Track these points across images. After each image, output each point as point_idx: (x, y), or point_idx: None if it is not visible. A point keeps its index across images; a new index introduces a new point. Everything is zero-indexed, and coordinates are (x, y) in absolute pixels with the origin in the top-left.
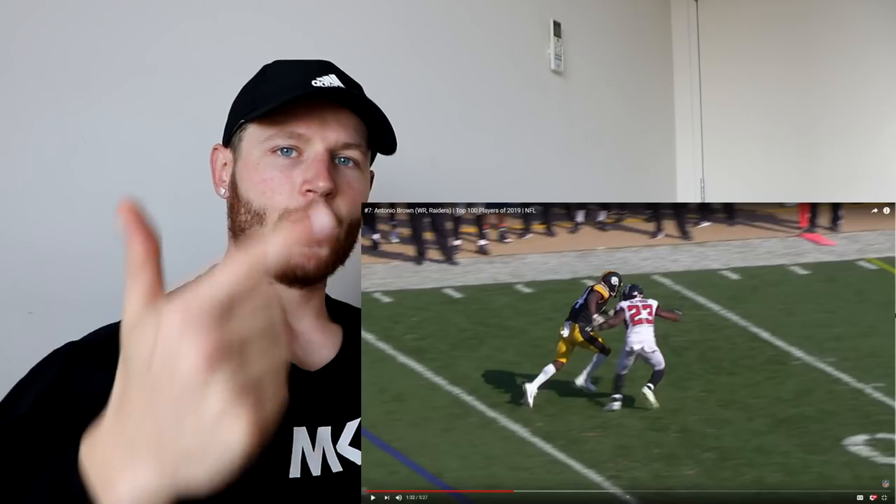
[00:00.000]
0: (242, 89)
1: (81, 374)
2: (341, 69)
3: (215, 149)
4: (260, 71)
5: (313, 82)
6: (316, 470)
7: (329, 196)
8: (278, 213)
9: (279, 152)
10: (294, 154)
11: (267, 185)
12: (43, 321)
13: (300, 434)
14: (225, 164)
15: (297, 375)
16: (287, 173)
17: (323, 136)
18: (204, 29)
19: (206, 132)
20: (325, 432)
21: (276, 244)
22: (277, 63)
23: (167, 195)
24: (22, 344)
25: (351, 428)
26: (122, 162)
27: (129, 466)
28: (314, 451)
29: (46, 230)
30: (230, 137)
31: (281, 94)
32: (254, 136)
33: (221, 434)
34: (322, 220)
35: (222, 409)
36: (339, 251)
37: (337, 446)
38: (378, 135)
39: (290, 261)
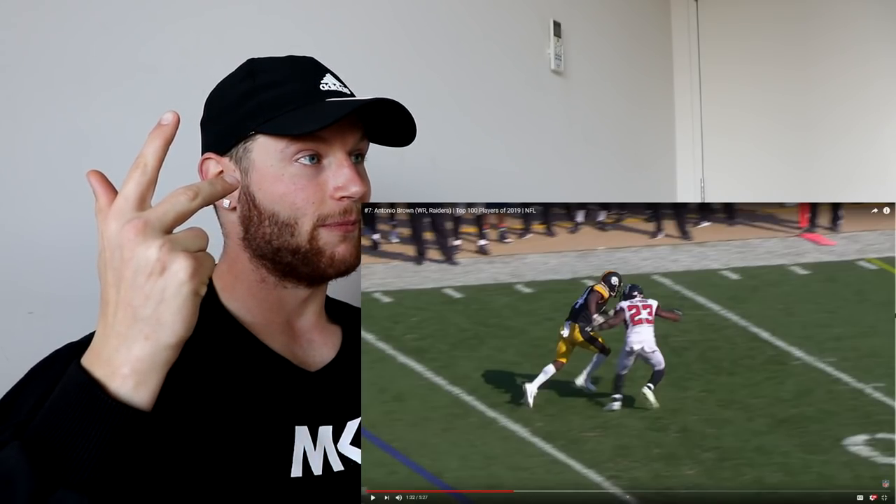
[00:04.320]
0: (232, 92)
1: None
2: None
3: (207, 158)
4: (247, 71)
5: (321, 86)
6: (317, 469)
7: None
8: (311, 222)
9: (302, 160)
10: (316, 160)
11: (297, 195)
12: (43, 321)
13: (302, 433)
14: (220, 172)
15: (297, 375)
16: (314, 181)
17: (343, 141)
18: (204, 27)
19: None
20: (326, 431)
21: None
22: (264, 61)
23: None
24: (22, 344)
25: (352, 427)
26: (122, 162)
27: (122, 348)
28: (315, 450)
29: (46, 230)
30: (229, 146)
31: (293, 101)
32: (269, 146)
33: (170, 274)
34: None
35: (161, 255)
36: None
37: (338, 445)
38: (393, 128)
39: (334, 257)
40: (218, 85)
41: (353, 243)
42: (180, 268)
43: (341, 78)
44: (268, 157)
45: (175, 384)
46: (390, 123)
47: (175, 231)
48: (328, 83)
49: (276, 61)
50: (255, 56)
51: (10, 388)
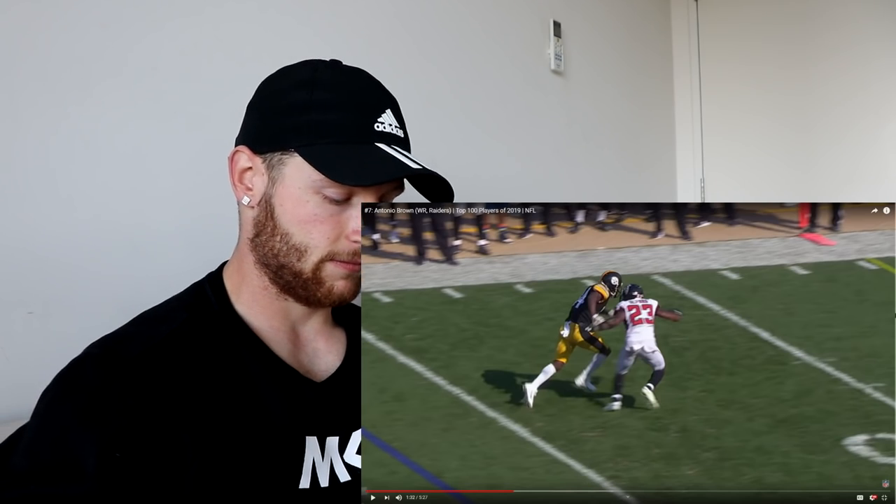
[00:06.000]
0: (287, 96)
1: (120, 390)
2: (397, 101)
3: (239, 151)
4: (309, 79)
5: (375, 125)
6: (324, 480)
7: None
8: (321, 255)
9: (331, 194)
10: (344, 199)
11: (314, 225)
12: (43, 321)
13: (311, 444)
14: (249, 168)
15: (304, 386)
16: (336, 217)
17: (378, 188)
18: (203, 24)
19: (206, 133)
20: (333, 442)
21: None
22: (328, 71)
23: (167, 197)
24: (22, 344)
25: (357, 437)
26: (122, 164)
27: None
28: (323, 461)
29: (47, 231)
30: (265, 150)
31: (343, 134)
32: (304, 169)
33: None
34: None
35: None
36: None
37: (344, 456)
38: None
39: (333, 290)
40: (277, 74)
41: (355, 281)
42: None
43: (399, 108)
44: (299, 178)
45: (188, 389)
46: (430, 183)
47: None
48: (384, 122)
49: (341, 75)
50: (255, 56)
51: (9, 387)
